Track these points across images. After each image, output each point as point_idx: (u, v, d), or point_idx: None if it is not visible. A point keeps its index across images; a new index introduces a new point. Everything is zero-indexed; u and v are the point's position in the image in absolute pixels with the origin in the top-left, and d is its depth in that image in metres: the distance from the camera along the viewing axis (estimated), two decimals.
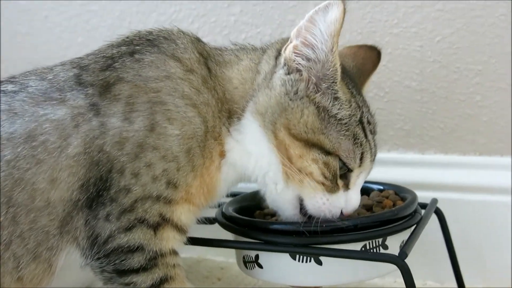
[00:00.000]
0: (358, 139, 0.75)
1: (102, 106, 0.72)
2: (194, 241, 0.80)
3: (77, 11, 1.32)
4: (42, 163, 0.70)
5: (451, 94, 1.05)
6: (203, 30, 1.20)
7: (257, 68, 0.79)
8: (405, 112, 1.09)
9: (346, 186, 0.76)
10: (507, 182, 1.00)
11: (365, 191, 0.90)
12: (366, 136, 0.76)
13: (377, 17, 1.07)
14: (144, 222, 0.72)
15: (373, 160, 0.78)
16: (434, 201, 0.89)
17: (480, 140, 1.05)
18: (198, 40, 0.83)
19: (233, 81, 0.79)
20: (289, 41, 0.75)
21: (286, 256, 0.76)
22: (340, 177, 0.75)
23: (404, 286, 0.70)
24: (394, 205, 0.84)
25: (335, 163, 0.73)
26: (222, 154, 0.78)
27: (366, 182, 0.83)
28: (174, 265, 0.74)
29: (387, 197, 0.88)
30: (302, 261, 0.75)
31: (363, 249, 0.74)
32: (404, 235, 0.78)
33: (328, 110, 0.74)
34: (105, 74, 0.75)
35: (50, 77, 0.76)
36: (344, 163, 0.74)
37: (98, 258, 0.72)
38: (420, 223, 0.79)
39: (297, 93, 0.74)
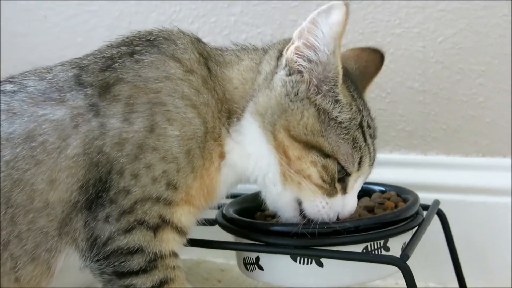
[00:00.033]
0: (357, 143, 0.74)
1: (102, 107, 0.72)
2: (194, 242, 0.79)
3: (76, 11, 1.31)
4: (41, 163, 0.70)
5: (454, 95, 1.05)
6: (203, 30, 1.19)
7: (258, 68, 0.79)
8: (407, 113, 1.08)
9: (344, 190, 0.75)
10: (510, 184, 0.99)
11: (366, 192, 0.89)
12: (365, 140, 0.76)
13: (379, 17, 1.07)
14: (143, 223, 0.71)
15: (371, 165, 0.78)
16: (436, 202, 0.88)
17: (483, 141, 1.05)
18: (198, 40, 0.83)
19: (234, 81, 0.79)
20: (291, 42, 0.75)
21: (287, 258, 0.75)
22: (338, 180, 0.74)
23: None
24: (396, 206, 0.84)
25: (333, 166, 0.73)
26: (222, 156, 0.77)
27: (367, 183, 0.83)
28: (174, 267, 0.73)
29: (388, 199, 0.87)
30: (303, 263, 0.75)
31: (364, 251, 0.74)
32: (406, 236, 0.78)
33: (328, 113, 0.73)
34: (104, 74, 0.74)
35: (50, 77, 0.75)
36: (342, 167, 0.74)
37: (98, 260, 0.71)
38: (422, 225, 0.79)
39: (297, 94, 0.74)
